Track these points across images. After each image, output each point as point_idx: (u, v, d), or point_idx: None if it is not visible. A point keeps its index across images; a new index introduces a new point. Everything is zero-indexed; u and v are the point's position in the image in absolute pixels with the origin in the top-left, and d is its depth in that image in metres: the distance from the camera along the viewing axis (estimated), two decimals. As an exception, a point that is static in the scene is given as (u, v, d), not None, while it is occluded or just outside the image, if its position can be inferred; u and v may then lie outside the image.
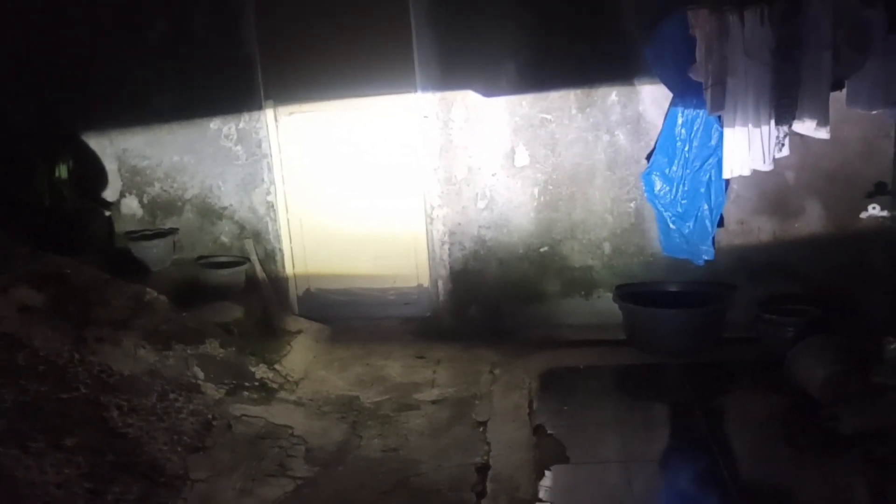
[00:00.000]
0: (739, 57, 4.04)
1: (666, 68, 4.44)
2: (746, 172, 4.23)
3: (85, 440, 3.52)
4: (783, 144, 4.19)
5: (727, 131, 4.18)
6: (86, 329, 4.24)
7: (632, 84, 4.77)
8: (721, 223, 4.69)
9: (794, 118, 4.05)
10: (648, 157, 4.74)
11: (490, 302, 5.21)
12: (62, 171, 5.18)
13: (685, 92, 4.39)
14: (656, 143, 4.66)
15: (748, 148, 4.14)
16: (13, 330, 3.97)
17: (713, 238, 4.58)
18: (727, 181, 4.50)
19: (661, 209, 4.61)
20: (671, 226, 4.60)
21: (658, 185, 4.58)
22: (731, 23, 4.04)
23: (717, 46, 4.09)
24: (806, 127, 4.04)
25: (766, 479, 3.35)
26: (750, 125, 4.10)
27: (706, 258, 4.59)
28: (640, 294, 4.76)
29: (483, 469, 3.52)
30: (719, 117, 4.22)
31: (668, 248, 4.71)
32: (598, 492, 3.35)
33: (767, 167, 4.19)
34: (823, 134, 4.04)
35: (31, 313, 4.18)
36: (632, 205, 4.91)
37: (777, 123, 4.10)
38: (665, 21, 4.34)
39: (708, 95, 4.15)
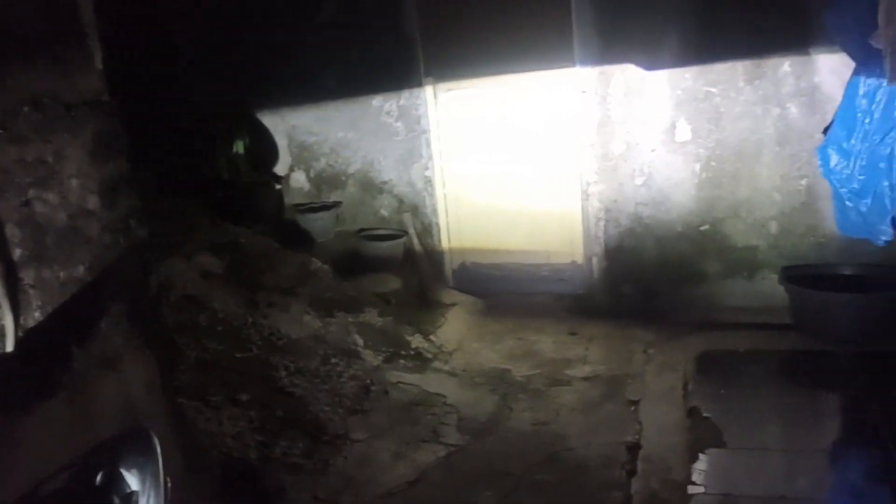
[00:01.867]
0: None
1: (847, 34, 4.11)
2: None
3: (256, 396, 3.79)
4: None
5: (911, 102, 3.84)
6: (257, 294, 4.55)
7: (807, 53, 4.47)
8: (905, 202, 4.33)
9: None
10: (825, 132, 4.43)
11: (645, 281, 5.09)
12: (239, 147, 5.56)
13: (868, 60, 4.03)
14: (835, 115, 4.34)
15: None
16: (196, 292, 4.31)
17: (893, 218, 4.23)
18: (913, 157, 4.14)
19: (837, 185, 4.29)
20: (847, 203, 4.27)
21: (834, 159, 4.26)
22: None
23: (901, 10, 3.75)
24: None
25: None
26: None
27: (885, 239, 4.25)
28: (809, 277, 4.48)
29: (634, 448, 3.47)
30: (904, 87, 3.88)
31: (843, 226, 4.39)
32: (756, 480, 3.20)
33: (958, 141, 3.82)
34: None
35: (212, 278, 4.53)
36: (803, 182, 4.63)
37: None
38: (847, -17, 4.04)
39: (887, 63, 3.81)
